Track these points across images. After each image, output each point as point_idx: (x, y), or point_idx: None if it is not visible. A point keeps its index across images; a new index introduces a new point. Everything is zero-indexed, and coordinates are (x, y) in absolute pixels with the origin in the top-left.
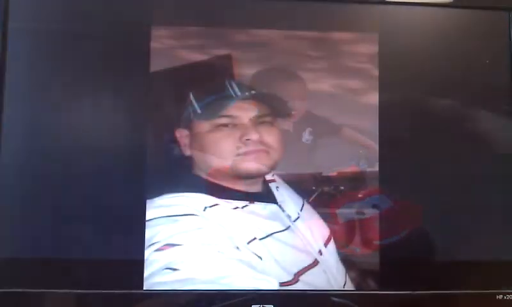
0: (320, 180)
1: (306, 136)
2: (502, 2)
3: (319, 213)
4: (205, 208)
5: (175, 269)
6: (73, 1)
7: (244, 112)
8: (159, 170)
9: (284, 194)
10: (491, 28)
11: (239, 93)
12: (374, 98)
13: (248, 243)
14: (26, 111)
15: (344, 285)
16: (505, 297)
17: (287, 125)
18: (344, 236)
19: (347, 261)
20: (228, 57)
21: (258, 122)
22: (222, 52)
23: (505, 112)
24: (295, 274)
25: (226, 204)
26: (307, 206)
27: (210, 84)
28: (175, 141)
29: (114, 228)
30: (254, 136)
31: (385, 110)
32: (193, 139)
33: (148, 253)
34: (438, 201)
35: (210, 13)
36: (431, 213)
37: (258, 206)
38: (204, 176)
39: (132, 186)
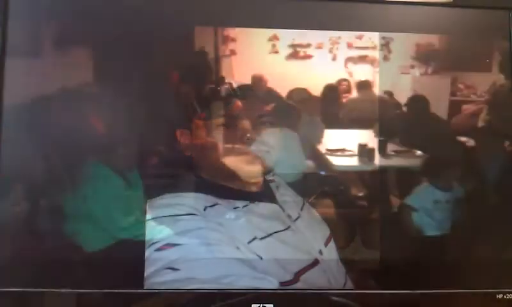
0: (320, 180)
1: None
2: (502, 2)
3: (319, 213)
4: (205, 207)
5: (175, 269)
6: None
7: (244, 112)
8: (159, 170)
9: (284, 193)
10: (491, 28)
11: (239, 93)
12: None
13: (248, 243)
14: (25, 112)
15: (344, 285)
16: (505, 297)
17: None
18: (344, 236)
19: (347, 261)
20: (229, 57)
21: (258, 122)
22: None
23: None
24: (295, 274)
25: (227, 204)
26: (307, 206)
27: (210, 84)
28: (175, 141)
29: (114, 227)
30: (254, 136)
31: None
32: (193, 139)
33: (148, 253)
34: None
35: None
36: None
37: (258, 206)
38: (204, 175)
39: (132, 186)
